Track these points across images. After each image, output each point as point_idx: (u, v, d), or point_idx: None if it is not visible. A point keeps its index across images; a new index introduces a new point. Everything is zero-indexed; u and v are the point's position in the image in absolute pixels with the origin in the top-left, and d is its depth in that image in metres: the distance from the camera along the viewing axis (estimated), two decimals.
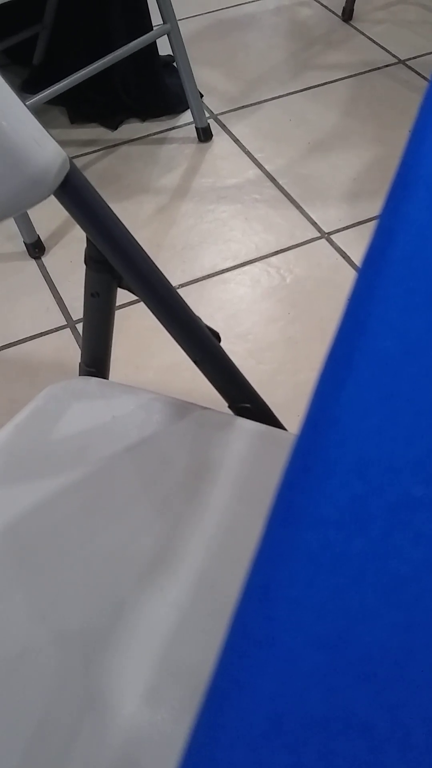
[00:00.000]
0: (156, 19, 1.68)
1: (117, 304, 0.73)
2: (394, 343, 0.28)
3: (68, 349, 1.41)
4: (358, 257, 1.53)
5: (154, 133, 1.89)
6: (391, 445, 0.25)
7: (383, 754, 0.20)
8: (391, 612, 0.22)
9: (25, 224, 1.55)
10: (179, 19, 1.70)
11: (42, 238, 1.59)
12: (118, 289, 0.70)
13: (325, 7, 2.31)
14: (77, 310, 1.47)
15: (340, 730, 0.20)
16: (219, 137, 1.86)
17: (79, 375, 0.79)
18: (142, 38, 1.65)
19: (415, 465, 0.25)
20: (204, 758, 0.20)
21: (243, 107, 1.95)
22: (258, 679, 0.21)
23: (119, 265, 0.66)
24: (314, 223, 1.61)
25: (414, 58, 2.08)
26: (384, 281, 0.30)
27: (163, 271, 0.67)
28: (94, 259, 0.67)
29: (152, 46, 1.79)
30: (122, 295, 0.70)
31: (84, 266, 0.69)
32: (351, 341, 0.28)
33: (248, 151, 1.81)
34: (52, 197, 0.60)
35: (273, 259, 1.54)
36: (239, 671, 0.21)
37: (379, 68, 2.05)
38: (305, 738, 0.20)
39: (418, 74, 2.02)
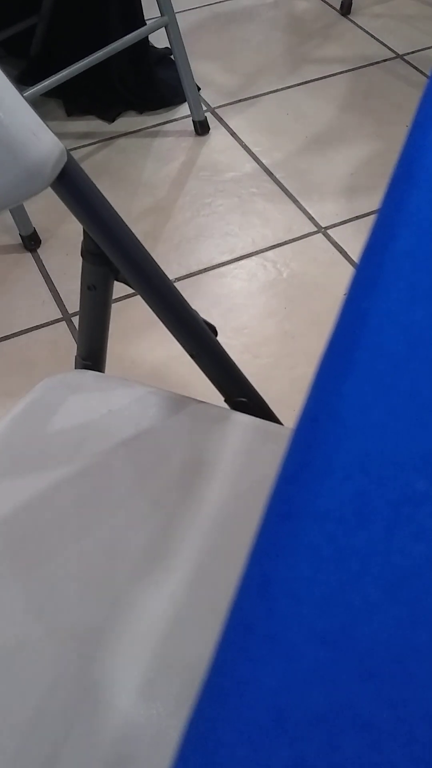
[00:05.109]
0: (154, 11, 1.67)
1: (113, 297, 0.72)
2: (396, 336, 0.28)
3: (64, 342, 1.40)
4: (354, 252, 1.53)
5: (151, 126, 1.88)
6: (394, 439, 0.25)
7: (385, 749, 0.19)
8: (393, 607, 0.22)
9: (21, 216, 1.54)
10: (177, 12, 1.69)
11: (38, 231, 1.58)
12: (115, 283, 0.70)
13: (324, 0, 2.30)
14: (73, 303, 1.47)
15: (342, 726, 0.20)
16: (216, 131, 1.85)
17: (75, 368, 0.79)
18: (138, 31, 1.65)
19: (418, 459, 0.25)
20: (204, 754, 0.19)
21: (240, 101, 1.94)
22: (259, 674, 0.21)
23: (116, 259, 0.65)
24: (311, 218, 1.61)
25: (412, 52, 2.08)
26: (385, 275, 0.30)
27: (159, 265, 0.67)
28: (90, 252, 0.67)
29: (144, 40, 1.79)
30: (119, 288, 0.69)
31: (80, 259, 0.69)
32: (352, 335, 0.28)
33: (245, 145, 1.81)
34: (49, 189, 0.59)
35: (270, 253, 1.54)
36: (240, 666, 0.21)
37: (377, 63, 2.04)
38: (307, 734, 0.20)
39: (416, 69, 2.02)
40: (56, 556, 0.61)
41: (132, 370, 1.34)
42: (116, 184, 1.72)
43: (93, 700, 0.53)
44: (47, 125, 0.57)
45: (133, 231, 0.65)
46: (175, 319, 0.69)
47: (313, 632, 0.21)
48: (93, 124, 1.90)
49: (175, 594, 0.58)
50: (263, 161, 1.76)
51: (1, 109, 0.54)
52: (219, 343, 0.72)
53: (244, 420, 0.70)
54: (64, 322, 1.44)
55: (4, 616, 0.57)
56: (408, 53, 2.08)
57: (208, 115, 1.88)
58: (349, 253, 1.53)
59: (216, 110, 1.92)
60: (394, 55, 2.07)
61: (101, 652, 0.55)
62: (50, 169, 0.57)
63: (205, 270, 1.52)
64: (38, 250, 1.58)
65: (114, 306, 0.74)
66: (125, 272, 0.66)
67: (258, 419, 0.71)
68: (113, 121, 1.90)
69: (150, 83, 1.89)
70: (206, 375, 0.73)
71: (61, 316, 1.45)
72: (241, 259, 1.53)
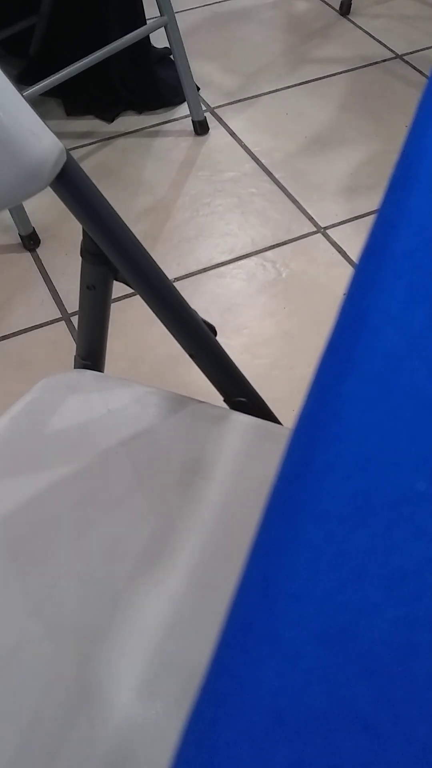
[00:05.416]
0: (153, 11, 1.67)
1: (113, 296, 0.72)
2: (396, 336, 0.28)
3: (63, 341, 1.40)
4: (354, 252, 1.53)
5: (151, 126, 1.88)
6: (394, 439, 0.25)
7: (385, 749, 0.19)
8: (393, 607, 0.22)
9: (21, 216, 1.54)
10: (176, 12, 1.69)
11: (37, 230, 1.58)
12: (114, 282, 0.70)
13: (323, 0, 2.30)
14: (72, 303, 1.47)
15: (342, 726, 0.20)
16: (216, 130, 1.85)
17: (75, 368, 0.79)
18: (138, 31, 1.65)
19: (417, 460, 0.25)
20: (202, 753, 0.19)
21: (240, 101, 1.94)
22: (259, 674, 0.21)
23: (115, 258, 0.65)
24: (310, 218, 1.61)
25: (411, 53, 2.08)
26: (385, 274, 0.30)
27: (158, 265, 0.67)
28: (90, 252, 0.67)
29: (145, 39, 1.78)
30: (118, 288, 0.69)
31: (80, 259, 0.69)
32: (351, 334, 0.28)
33: (245, 145, 1.81)
34: (48, 189, 0.59)
35: (269, 253, 1.54)
36: (240, 666, 0.21)
37: (376, 63, 2.04)
38: (307, 733, 0.20)
39: (416, 69, 2.02)
40: (55, 556, 0.61)
41: (131, 369, 1.34)
42: (115, 183, 1.72)
43: (93, 699, 0.53)
44: (47, 125, 0.57)
45: (133, 231, 0.65)
46: (175, 319, 0.69)
47: (312, 632, 0.21)
48: (92, 124, 1.89)
49: (175, 594, 0.58)
50: (262, 161, 1.76)
51: (1, 108, 0.54)
52: (218, 343, 0.72)
53: (243, 420, 0.70)
54: (63, 321, 1.44)
55: (4, 616, 0.57)
56: (407, 53, 2.08)
57: (208, 115, 1.88)
58: (348, 253, 1.53)
59: (215, 110, 1.92)
60: (394, 55, 2.07)
61: (101, 652, 0.55)
62: (50, 168, 0.57)
63: (205, 270, 1.52)
64: (37, 250, 1.58)
65: (113, 305, 0.74)
66: (124, 272, 0.66)
67: (257, 419, 0.71)
68: (112, 121, 1.90)
69: (150, 83, 1.89)
70: (205, 375, 0.73)
71: (60, 315, 1.45)
72: (241, 259, 1.53)
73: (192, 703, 0.21)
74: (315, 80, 2.00)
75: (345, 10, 2.23)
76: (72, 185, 0.61)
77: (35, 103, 1.77)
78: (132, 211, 1.65)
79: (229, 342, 1.37)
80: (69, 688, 0.53)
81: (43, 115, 1.80)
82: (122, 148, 1.82)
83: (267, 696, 0.20)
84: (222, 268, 1.52)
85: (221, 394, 0.75)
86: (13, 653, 0.55)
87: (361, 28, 2.18)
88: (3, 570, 0.60)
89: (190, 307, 0.69)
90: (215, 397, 0.75)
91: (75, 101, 1.92)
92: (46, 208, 1.63)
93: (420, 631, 0.21)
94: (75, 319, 1.43)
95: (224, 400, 0.75)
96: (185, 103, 1.85)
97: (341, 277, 1.49)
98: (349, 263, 1.51)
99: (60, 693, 0.53)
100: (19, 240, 1.58)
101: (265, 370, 1.33)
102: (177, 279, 1.50)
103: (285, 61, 2.07)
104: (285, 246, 1.55)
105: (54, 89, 1.57)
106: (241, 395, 0.75)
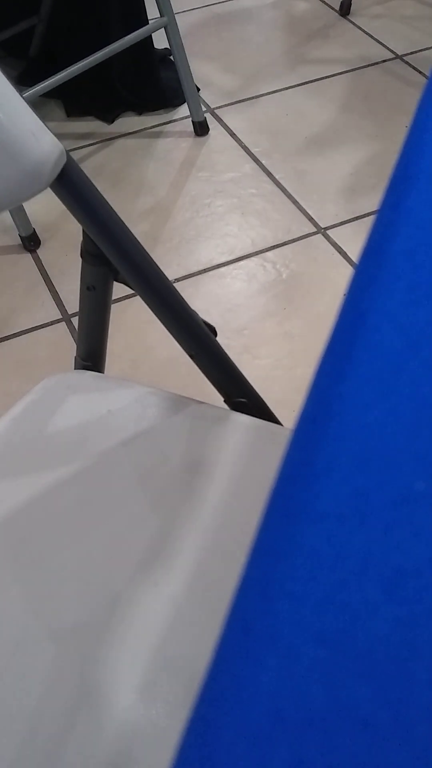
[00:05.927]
0: (154, 12, 1.67)
1: (113, 297, 0.72)
2: (396, 337, 0.28)
3: (64, 342, 1.40)
4: (354, 253, 1.53)
5: (151, 127, 1.88)
6: (393, 439, 0.25)
7: (384, 749, 0.19)
8: (392, 607, 0.22)
9: (21, 217, 1.54)
10: (176, 13, 1.69)
11: (37, 231, 1.59)
12: (114, 283, 0.70)
13: (323, 1, 2.30)
14: (73, 304, 1.47)
15: (341, 726, 0.20)
16: (216, 131, 1.85)
17: (75, 368, 0.79)
18: (138, 31, 1.65)
19: (417, 459, 0.25)
20: (203, 754, 0.19)
21: (240, 101, 1.94)
22: (258, 674, 0.21)
23: (115, 259, 0.65)
24: (311, 218, 1.61)
25: (411, 53, 2.08)
26: (385, 275, 0.30)
27: (159, 266, 0.67)
28: (90, 253, 0.67)
29: (147, 40, 1.79)
30: (118, 289, 0.69)
31: (80, 259, 0.69)
32: (351, 335, 0.28)
33: (245, 146, 1.81)
34: (48, 189, 0.59)
35: (269, 254, 1.54)
36: (239, 666, 0.21)
37: (376, 63, 2.04)
38: (306, 734, 0.20)
39: (416, 69, 2.02)
40: (56, 556, 0.61)
41: (131, 370, 1.34)
42: (116, 184, 1.72)
43: (93, 700, 0.53)
44: (47, 126, 0.57)
45: (133, 231, 0.65)
46: (175, 320, 0.69)
47: (312, 632, 0.21)
48: (92, 125, 1.90)
49: (174, 594, 0.58)
50: (262, 162, 1.76)
51: (1, 110, 0.54)
52: (218, 344, 0.72)
53: (243, 420, 0.70)
54: (63, 322, 1.44)
55: (3, 617, 0.57)
56: (407, 54, 2.08)
57: (208, 115, 1.88)
58: (348, 254, 1.53)
59: (215, 111, 1.92)
60: (394, 56, 2.07)
61: (101, 653, 0.55)
62: (50, 169, 0.57)
63: (205, 270, 1.52)
64: (38, 251, 1.58)
65: (113, 306, 0.74)
66: (125, 273, 0.66)
67: (257, 420, 0.71)
68: (113, 122, 1.90)
69: (151, 84, 1.89)
70: (206, 375, 0.73)
71: (60, 316, 1.45)
72: (241, 259, 1.53)
73: (193, 704, 0.21)
74: (315, 81, 2.00)
75: (345, 10, 2.24)
76: (72, 186, 0.61)
77: (35, 104, 1.77)
78: (132, 211, 1.65)
79: (230, 342, 1.37)
80: (69, 689, 0.53)
81: (44, 116, 1.81)
82: (122, 149, 1.82)
83: (266, 696, 0.20)
84: (222, 269, 1.52)
85: (221, 394, 0.75)
86: (13, 653, 0.55)
87: (361, 28, 2.19)
88: (3, 570, 0.60)
89: (190, 308, 0.69)
90: (215, 398, 0.75)
91: (75, 102, 1.92)
92: (47, 209, 1.63)
93: (420, 631, 0.21)
94: (75, 320, 1.43)
95: (224, 401, 0.75)
96: (185, 103, 1.85)
97: (341, 277, 1.49)
98: (350, 263, 1.51)
99: (60, 693, 0.53)
100: (20, 241, 1.58)
101: (265, 371, 1.33)
102: (177, 280, 1.50)
103: (285, 61, 2.07)
104: (285, 246, 1.55)
105: (54, 90, 1.57)
106: (241, 396, 0.75)
